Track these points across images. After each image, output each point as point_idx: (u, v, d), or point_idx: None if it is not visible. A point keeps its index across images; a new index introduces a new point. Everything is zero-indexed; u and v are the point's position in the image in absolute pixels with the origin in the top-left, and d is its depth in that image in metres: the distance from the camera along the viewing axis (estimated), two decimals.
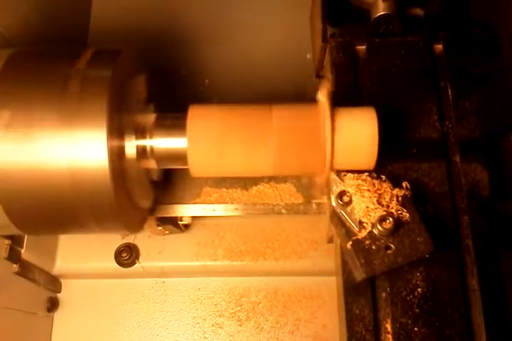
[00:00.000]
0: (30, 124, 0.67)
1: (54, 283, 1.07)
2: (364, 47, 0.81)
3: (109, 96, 0.68)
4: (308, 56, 1.07)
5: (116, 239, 1.05)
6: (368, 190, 0.68)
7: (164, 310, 1.08)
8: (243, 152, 0.71)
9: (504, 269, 0.69)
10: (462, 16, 0.84)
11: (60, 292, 1.10)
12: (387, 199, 0.68)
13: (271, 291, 1.08)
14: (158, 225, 0.95)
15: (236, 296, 1.08)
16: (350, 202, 0.68)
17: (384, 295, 0.68)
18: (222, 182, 0.91)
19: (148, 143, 0.75)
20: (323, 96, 0.69)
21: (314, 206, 0.89)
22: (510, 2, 1.14)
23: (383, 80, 0.78)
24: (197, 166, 0.73)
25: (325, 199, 0.77)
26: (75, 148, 0.66)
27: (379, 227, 0.66)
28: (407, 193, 0.69)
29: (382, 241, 0.67)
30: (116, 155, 0.70)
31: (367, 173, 0.70)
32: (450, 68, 0.79)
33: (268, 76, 1.11)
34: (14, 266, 0.93)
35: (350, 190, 0.69)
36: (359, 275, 0.67)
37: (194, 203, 0.90)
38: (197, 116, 0.72)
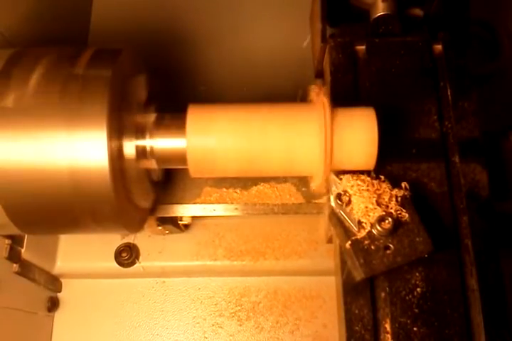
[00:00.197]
0: (31, 124, 0.67)
1: (54, 282, 1.07)
2: (363, 47, 0.81)
3: (110, 97, 0.68)
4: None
5: (116, 239, 1.05)
6: (367, 190, 0.68)
7: (164, 309, 1.08)
8: (243, 152, 0.71)
9: (504, 269, 0.69)
10: (461, 16, 0.84)
11: (60, 292, 1.10)
12: (387, 199, 0.68)
13: (271, 291, 1.08)
14: (159, 225, 0.95)
15: (236, 296, 1.08)
16: (349, 202, 0.68)
17: (383, 295, 0.68)
18: (223, 182, 0.91)
19: (148, 143, 0.75)
20: (320, 96, 0.69)
21: (314, 206, 0.89)
22: (510, 2, 1.14)
23: (383, 80, 0.78)
24: (196, 166, 0.73)
25: (324, 200, 0.77)
26: (75, 147, 0.66)
27: (378, 227, 0.66)
28: (406, 193, 0.69)
29: (381, 241, 0.67)
30: (116, 155, 0.69)
31: (366, 173, 0.70)
32: (449, 68, 0.79)
33: (268, 76, 1.11)
34: (14, 265, 0.93)
35: (350, 190, 0.69)
36: (358, 275, 0.67)
37: (194, 203, 0.90)
38: (196, 116, 0.72)
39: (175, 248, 1.05)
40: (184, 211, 0.90)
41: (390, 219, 0.66)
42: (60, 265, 1.06)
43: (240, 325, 1.07)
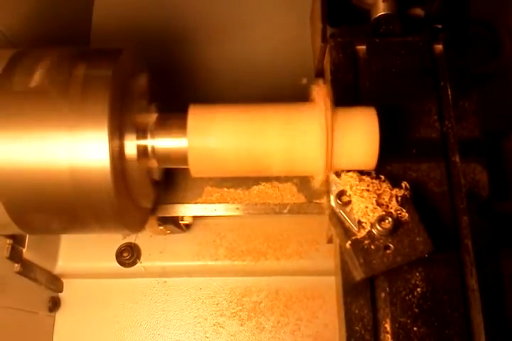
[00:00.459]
0: (32, 124, 0.67)
1: (56, 282, 1.08)
2: (364, 47, 0.81)
3: (111, 96, 0.68)
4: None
5: (117, 239, 1.05)
6: (367, 190, 0.68)
7: (166, 309, 1.08)
8: (244, 151, 0.71)
9: (504, 269, 0.69)
10: (462, 16, 0.84)
11: (61, 291, 1.10)
12: (387, 199, 0.68)
13: (272, 291, 1.08)
14: (160, 225, 0.95)
15: (237, 296, 1.08)
16: (349, 202, 0.68)
17: (383, 294, 0.68)
18: (224, 182, 0.90)
19: (149, 142, 0.75)
20: (320, 96, 0.69)
21: (315, 206, 0.89)
22: (510, 1, 1.14)
23: (383, 80, 0.78)
24: (197, 166, 0.73)
25: (325, 200, 0.77)
26: (76, 147, 0.66)
27: (378, 227, 0.66)
28: (406, 193, 0.69)
29: (381, 241, 0.67)
30: (118, 155, 0.69)
31: (366, 173, 0.70)
32: (450, 68, 0.79)
33: (269, 75, 1.11)
34: (16, 265, 0.93)
35: (350, 190, 0.69)
36: (358, 275, 0.67)
37: (195, 203, 0.90)
38: (197, 115, 0.72)
39: (176, 248, 1.06)
40: (185, 211, 0.90)
41: (390, 219, 0.66)
42: (62, 265, 1.06)
43: (241, 325, 1.07)
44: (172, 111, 0.77)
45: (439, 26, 0.83)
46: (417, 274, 0.68)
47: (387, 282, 0.68)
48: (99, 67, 0.71)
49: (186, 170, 0.76)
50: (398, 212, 0.68)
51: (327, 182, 0.71)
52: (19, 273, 0.94)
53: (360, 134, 0.68)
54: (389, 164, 0.73)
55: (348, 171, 0.71)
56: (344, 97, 0.77)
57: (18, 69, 0.71)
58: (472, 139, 0.75)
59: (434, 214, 0.71)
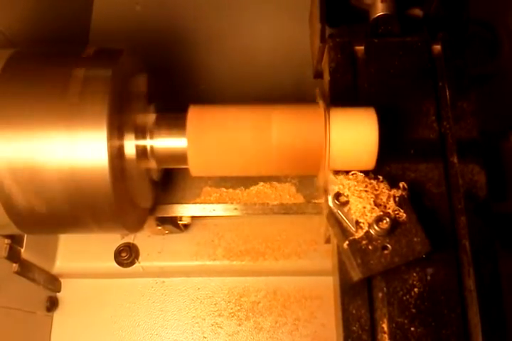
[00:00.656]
0: (31, 124, 0.67)
1: (54, 282, 1.08)
2: (362, 47, 0.81)
3: (110, 96, 0.68)
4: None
5: (115, 239, 1.05)
6: (365, 191, 0.68)
7: (164, 309, 1.08)
8: (243, 152, 0.71)
9: (501, 269, 0.69)
10: (461, 17, 0.84)
11: (59, 291, 1.10)
12: (384, 199, 0.68)
13: (270, 291, 1.08)
14: (158, 225, 0.95)
15: (235, 296, 1.08)
16: (347, 202, 0.68)
17: (380, 295, 0.68)
18: (222, 182, 0.90)
19: (148, 142, 0.75)
20: (319, 96, 0.69)
21: (314, 206, 0.89)
22: (510, 1, 1.14)
23: (381, 81, 0.78)
24: (197, 166, 0.73)
25: (324, 200, 0.77)
26: (75, 147, 0.66)
27: (376, 227, 0.66)
28: (404, 193, 0.69)
29: (379, 241, 0.67)
30: (116, 155, 0.70)
31: (364, 174, 0.70)
32: (448, 69, 0.79)
33: (269, 75, 1.11)
34: (14, 265, 0.93)
35: (347, 190, 0.69)
36: (356, 275, 0.67)
37: (194, 203, 0.90)
38: (197, 116, 0.72)
39: (174, 248, 1.06)
40: (184, 211, 0.90)
41: (387, 220, 0.66)
42: (60, 265, 1.06)
43: (239, 325, 1.07)
44: (171, 112, 0.77)
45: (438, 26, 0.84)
46: (415, 274, 0.68)
47: (384, 282, 0.68)
48: (98, 67, 0.71)
49: (185, 170, 0.76)
50: (396, 212, 0.68)
51: (325, 183, 0.71)
52: (17, 272, 0.94)
53: (359, 134, 0.68)
54: (387, 164, 0.73)
55: (346, 171, 0.71)
56: (343, 97, 0.77)
57: (17, 69, 0.72)
58: (470, 140, 0.75)
59: (432, 215, 0.71)
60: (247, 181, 0.90)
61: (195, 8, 1.19)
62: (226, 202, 0.90)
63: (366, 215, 0.67)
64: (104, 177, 0.67)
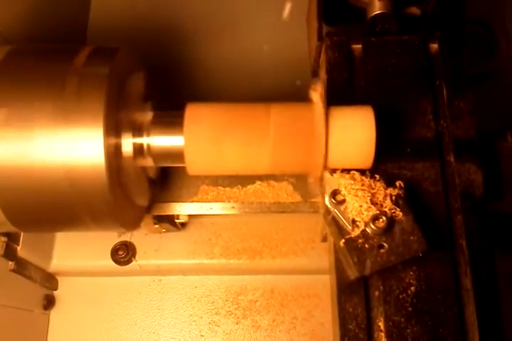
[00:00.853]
0: (28, 122, 0.67)
1: (50, 280, 1.08)
2: (360, 46, 0.81)
3: (107, 94, 0.68)
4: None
5: (112, 237, 1.05)
6: (362, 189, 0.68)
7: (161, 308, 1.08)
8: (240, 150, 0.71)
9: (498, 268, 0.69)
10: (458, 16, 0.84)
11: (56, 289, 1.10)
12: (381, 198, 0.68)
13: (268, 290, 1.08)
14: (155, 223, 0.95)
15: (233, 294, 1.08)
16: (343, 200, 0.68)
17: (377, 293, 0.68)
18: (219, 180, 0.90)
19: (145, 141, 0.75)
20: (316, 95, 0.69)
21: (311, 205, 0.89)
22: (506, 0, 1.14)
23: (379, 79, 0.78)
24: (194, 164, 0.73)
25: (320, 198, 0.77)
26: (71, 145, 0.66)
27: (372, 226, 0.66)
28: (400, 192, 0.69)
29: (376, 239, 0.67)
30: (113, 153, 0.69)
31: (360, 172, 0.70)
32: (445, 67, 0.79)
33: (266, 74, 1.11)
34: (10, 263, 0.93)
35: (344, 189, 0.69)
36: (352, 273, 0.67)
37: (191, 201, 0.90)
38: (194, 114, 0.72)
39: (171, 246, 1.06)
40: (181, 209, 0.90)
41: (384, 218, 0.66)
42: (56, 263, 1.06)
43: (237, 324, 1.07)
44: (168, 110, 0.77)
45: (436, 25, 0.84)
46: (411, 273, 0.68)
47: (381, 281, 0.68)
48: (95, 65, 0.71)
49: (182, 169, 0.76)
50: (392, 211, 0.68)
51: (321, 181, 0.71)
52: (13, 271, 0.93)
53: (356, 133, 0.68)
54: (384, 163, 0.73)
55: (343, 170, 0.71)
56: (339, 96, 0.77)
57: (13, 67, 0.71)
58: (467, 139, 0.75)
59: (429, 214, 0.71)
60: (244, 180, 0.90)
61: (193, 5, 1.19)
62: (223, 201, 0.90)
63: (363, 214, 0.67)
64: (100, 175, 0.67)
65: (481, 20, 1.09)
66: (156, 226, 0.96)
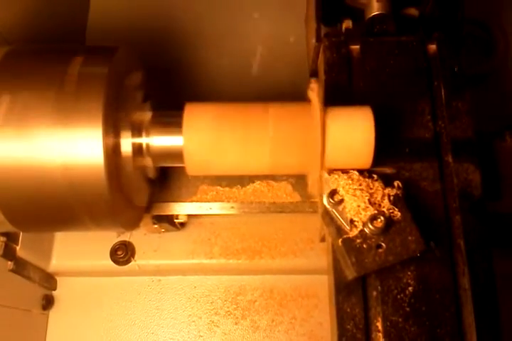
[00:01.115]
0: (26, 121, 0.67)
1: (49, 280, 1.08)
2: (358, 46, 0.81)
3: (106, 94, 0.68)
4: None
5: (111, 237, 1.05)
6: (360, 189, 0.68)
7: (160, 308, 1.08)
8: (239, 150, 0.71)
9: (496, 268, 0.69)
10: (456, 16, 0.84)
11: (55, 289, 1.10)
12: (379, 198, 0.68)
13: (267, 290, 1.08)
14: (154, 223, 0.95)
15: (232, 294, 1.08)
16: (341, 201, 0.68)
17: (375, 293, 0.68)
18: (219, 180, 0.90)
19: (144, 140, 0.75)
20: (314, 95, 0.69)
21: (310, 205, 0.89)
22: (504, 1, 1.14)
23: (377, 80, 0.78)
24: (193, 164, 0.73)
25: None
26: (70, 145, 0.67)
27: (370, 226, 0.66)
28: (398, 192, 0.69)
29: (374, 239, 0.67)
30: (112, 153, 0.70)
31: (358, 172, 0.71)
32: (443, 68, 0.79)
33: (265, 74, 1.11)
34: (9, 263, 0.93)
35: (342, 189, 0.69)
36: (350, 273, 0.67)
37: (190, 201, 0.90)
38: (193, 114, 0.72)
39: (170, 246, 1.06)
40: (180, 209, 0.90)
41: (382, 218, 0.66)
42: (55, 263, 1.06)
43: (236, 324, 1.07)
44: (168, 109, 0.77)
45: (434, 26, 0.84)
46: (409, 273, 0.68)
47: (379, 281, 0.68)
48: (94, 64, 0.72)
49: (181, 169, 0.76)
50: (390, 211, 0.68)
51: (320, 181, 0.72)
52: (12, 270, 0.94)
53: (356, 133, 0.68)
54: (382, 163, 0.73)
55: (341, 170, 0.71)
56: (338, 97, 0.77)
57: (12, 67, 0.72)
58: (465, 139, 0.75)
59: (427, 214, 0.71)
60: (243, 180, 0.90)
61: (193, 5, 1.20)
62: (222, 201, 0.90)
63: (361, 214, 0.67)
64: (99, 175, 0.67)
65: (478, 21, 1.09)
66: (155, 226, 0.96)
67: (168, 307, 1.08)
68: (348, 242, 0.67)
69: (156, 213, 0.91)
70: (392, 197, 0.69)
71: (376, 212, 0.67)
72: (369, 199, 0.68)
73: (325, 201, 0.69)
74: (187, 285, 1.09)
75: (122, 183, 0.74)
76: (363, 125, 0.68)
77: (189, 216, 1.01)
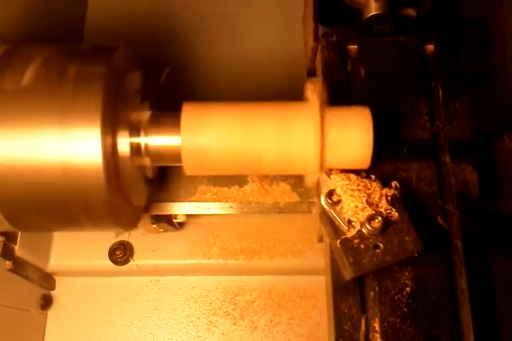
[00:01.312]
0: (24, 120, 0.67)
1: (48, 280, 1.08)
2: (356, 46, 0.81)
3: (104, 94, 0.68)
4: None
5: (110, 237, 1.05)
6: (358, 190, 0.68)
7: (158, 308, 1.08)
8: (237, 150, 0.71)
9: (493, 269, 0.69)
10: (454, 17, 0.84)
11: (53, 289, 1.10)
12: (377, 198, 0.68)
13: (265, 290, 1.08)
14: (153, 223, 0.95)
15: (230, 295, 1.08)
16: (339, 201, 0.68)
17: (372, 294, 0.68)
18: (217, 180, 0.90)
19: (142, 140, 0.74)
20: (313, 95, 0.69)
21: (309, 205, 0.89)
22: (502, 1, 1.14)
23: (374, 80, 0.78)
24: (191, 164, 0.73)
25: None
26: (68, 144, 0.66)
27: (368, 226, 0.66)
28: (396, 193, 0.69)
29: (371, 240, 0.67)
30: (110, 153, 0.69)
31: (356, 173, 0.71)
32: (441, 68, 0.79)
33: (264, 74, 1.11)
34: (8, 262, 0.93)
35: (340, 189, 0.69)
36: (348, 274, 0.67)
37: (189, 201, 0.90)
38: (191, 113, 0.72)
39: (169, 246, 1.06)
40: (179, 209, 0.90)
41: (379, 219, 0.66)
42: (54, 262, 1.06)
43: (234, 324, 1.07)
44: (166, 109, 0.77)
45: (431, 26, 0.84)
46: (407, 273, 0.68)
47: (376, 281, 0.68)
48: (92, 64, 0.71)
49: (180, 168, 0.76)
50: (388, 211, 0.68)
51: (318, 182, 0.71)
52: (11, 270, 0.94)
53: (354, 134, 0.68)
54: (379, 164, 0.73)
55: (339, 170, 0.71)
56: (335, 97, 0.77)
57: (9, 67, 0.71)
58: (463, 139, 0.75)
59: (424, 214, 0.71)
60: (242, 180, 0.90)
61: (192, 5, 1.20)
62: (221, 201, 0.89)
63: (358, 214, 0.67)
64: (98, 175, 0.67)
65: (476, 21, 1.09)
66: (154, 226, 0.96)
67: (167, 308, 1.08)
68: (346, 242, 0.67)
69: (154, 213, 0.90)
70: (389, 198, 0.68)
71: (374, 212, 0.67)
72: (367, 200, 0.68)
73: (323, 201, 0.69)
74: (185, 286, 1.09)
75: (121, 183, 0.74)
76: (362, 125, 0.68)
77: (188, 216, 1.01)
